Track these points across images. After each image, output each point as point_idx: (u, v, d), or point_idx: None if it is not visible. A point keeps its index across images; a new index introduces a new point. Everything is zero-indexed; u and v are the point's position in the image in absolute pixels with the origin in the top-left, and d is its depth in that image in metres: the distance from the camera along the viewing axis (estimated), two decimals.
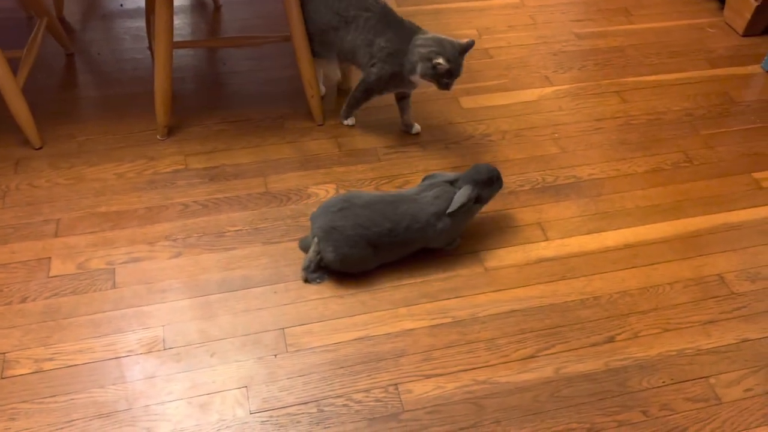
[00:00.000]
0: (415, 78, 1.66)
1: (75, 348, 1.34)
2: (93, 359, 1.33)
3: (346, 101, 1.85)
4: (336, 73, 1.94)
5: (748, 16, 2.24)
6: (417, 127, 1.87)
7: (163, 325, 1.39)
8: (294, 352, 1.36)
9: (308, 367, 1.33)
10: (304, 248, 1.51)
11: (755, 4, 2.21)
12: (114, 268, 1.49)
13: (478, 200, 1.52)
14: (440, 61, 1.58)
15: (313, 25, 1.74)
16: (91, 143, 1.79)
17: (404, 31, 1.67)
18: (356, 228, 1.43)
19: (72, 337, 1.36)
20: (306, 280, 1.48)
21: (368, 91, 1.77)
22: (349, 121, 1.87)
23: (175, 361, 1.33)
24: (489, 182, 1.52)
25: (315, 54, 1.81)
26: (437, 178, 1.53)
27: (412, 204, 1.48)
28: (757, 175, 1.80)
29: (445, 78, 1.62)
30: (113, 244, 1.54)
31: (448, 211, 1.46)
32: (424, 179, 1.57)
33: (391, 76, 1.69)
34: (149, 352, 1.34)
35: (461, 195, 1.47)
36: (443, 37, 1.64)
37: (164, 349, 1.35)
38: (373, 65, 1.70)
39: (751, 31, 2.28)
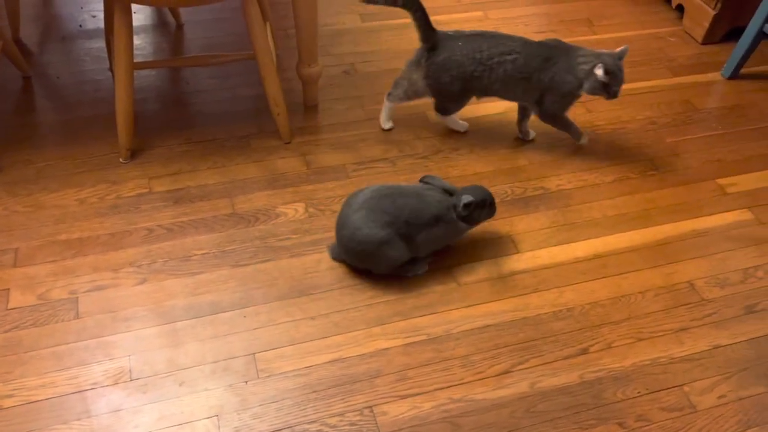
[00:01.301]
0: (580, 92, 1.74)
1: (37, 383, 1.29)
2: (56, 394, 1.28)
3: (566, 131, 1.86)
4: (462, 126, 1.93)
5: (706, 24, 2.29)
6: (533, 134, 1.91)
7: (128, 355, 1.35)
8: (265, 377, 1.32)
9: (280, 392, 1.30)
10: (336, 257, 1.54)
11: (713, 13, 2.26)
12: (77, 298, 1.44)
13: (466, 220, 1.50)
14: (602, 70, 1.65)
15: (451, 84, 1.74)
16: (51, 169, 1.74)
17: (554, 53, 1.72)
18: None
19: (33, 372, 1.31)
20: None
21: (557, 116, 1.81)
22: (584, 140, 1.89)
23: (142, 392, 1.29)
24: (482, 204, 1.50)
25: (446, 112, 1.84)
26: (435, 182, 1.53)
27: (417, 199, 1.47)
28: (721, 181, 1.82)
29: (613, 86, 1.68)
30: (75, 272, 1.49)
31: (465, 201, 1.44)
32: (421, 180, 1.56)
33: (565, 95, 1.74)
34: (115, 384, 1.30)
35: (466, 197, 1.45)
36: (598, 50, 1.72)
37: (130, 380, 1.31)
38: (547, 97, 1.74)
39: (709, 39, 2.32)
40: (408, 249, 1.47)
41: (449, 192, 1.50)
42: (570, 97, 1.75)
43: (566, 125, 1.84)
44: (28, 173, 1.72)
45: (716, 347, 1.42)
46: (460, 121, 1.92)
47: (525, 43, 1.73)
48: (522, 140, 1.91)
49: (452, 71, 1.72)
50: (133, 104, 1.71)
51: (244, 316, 1.43)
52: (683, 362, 1.39)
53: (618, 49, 1.70)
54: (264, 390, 1.30)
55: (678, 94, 2.11)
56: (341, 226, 1.46)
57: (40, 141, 1.82)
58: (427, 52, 1.74)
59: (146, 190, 1.69)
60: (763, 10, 2.09)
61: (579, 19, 2.43)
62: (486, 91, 1.78)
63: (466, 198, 1.45)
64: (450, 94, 1.78)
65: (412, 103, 1.89)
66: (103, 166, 1.75)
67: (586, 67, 1.69)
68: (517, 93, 1.77)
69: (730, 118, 2.03)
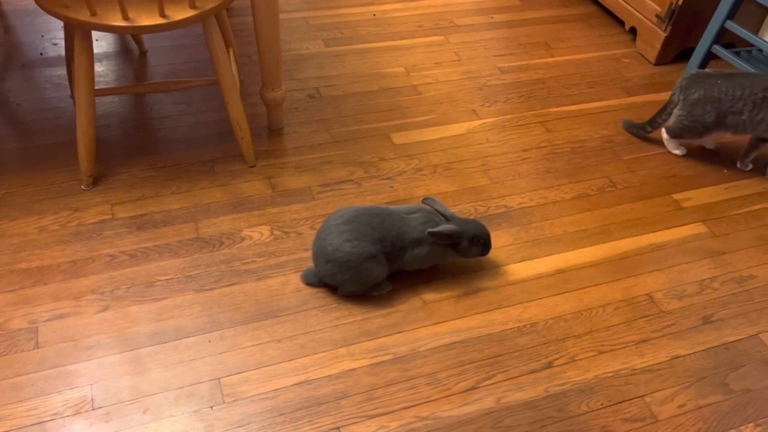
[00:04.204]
0: None
1: None
2: (14, 426, 1.25)
3: (752, 152, 1.97)
4: (681, 150, 2.04)
5: (658, 46, 2.38)
6: (750, 165, 2.01)
7: (91, 384, 1.32)
8: (231, 402, 1.31)
9: (246, 417, 1.29)
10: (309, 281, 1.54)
11: (664, 35, 2.35)
12: (36, 327, 1.42)
13: (455, 247, 1.52)
14: None
15: (704, 116, 1.87)
16: (10, 197, 1.71)
17: None
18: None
19: None
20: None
21: None
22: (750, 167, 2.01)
23: (105, 421, 1.27)
24: (474, 240, 1.52)
25: (680, 137, 1.96)
26: (437, 206, 1.55)
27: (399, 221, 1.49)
28: (676, 196, 1.88)
29: None
30: (35, 301, 1.46)
31: (429, 230, 1.46)
32: (423, 200, 1.59)
33: None
34: (76, 414, 1.27)
35: (448, 227, 1.48)
36: None
37: (93, 409, 1.28)
38: None
39: (661, 60, 2.41)
40: (386, 270, 1.49)
41: (446, 217, 1.53)
42: None
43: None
44: None
45: (675, 358, 1.46)
46: (681, 147, 2.03)
47: None
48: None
49: (707, 106, 1.86)
50: (95, 131, 1.70)
51: (209, 341, 1.42)
52: (644, 373, 1.42)
53: None
54: (230, 415, 1.29)
55: (633, 113, 2.18)
56: (323, 237, 1.47)
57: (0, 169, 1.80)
58: (684, 90, 1.89)
59: (109, 217, 1.68)
60: (710, 32, 2.19)
61: (537, 43, 2.50)
62: (744, 126, 1.87)
63: (443, 228, 1.48)
64: (698, 126, 1.90)
65: (373, 126, 1.92)
66: (65, 193, 1.74)
67: None
68: None
69: None
